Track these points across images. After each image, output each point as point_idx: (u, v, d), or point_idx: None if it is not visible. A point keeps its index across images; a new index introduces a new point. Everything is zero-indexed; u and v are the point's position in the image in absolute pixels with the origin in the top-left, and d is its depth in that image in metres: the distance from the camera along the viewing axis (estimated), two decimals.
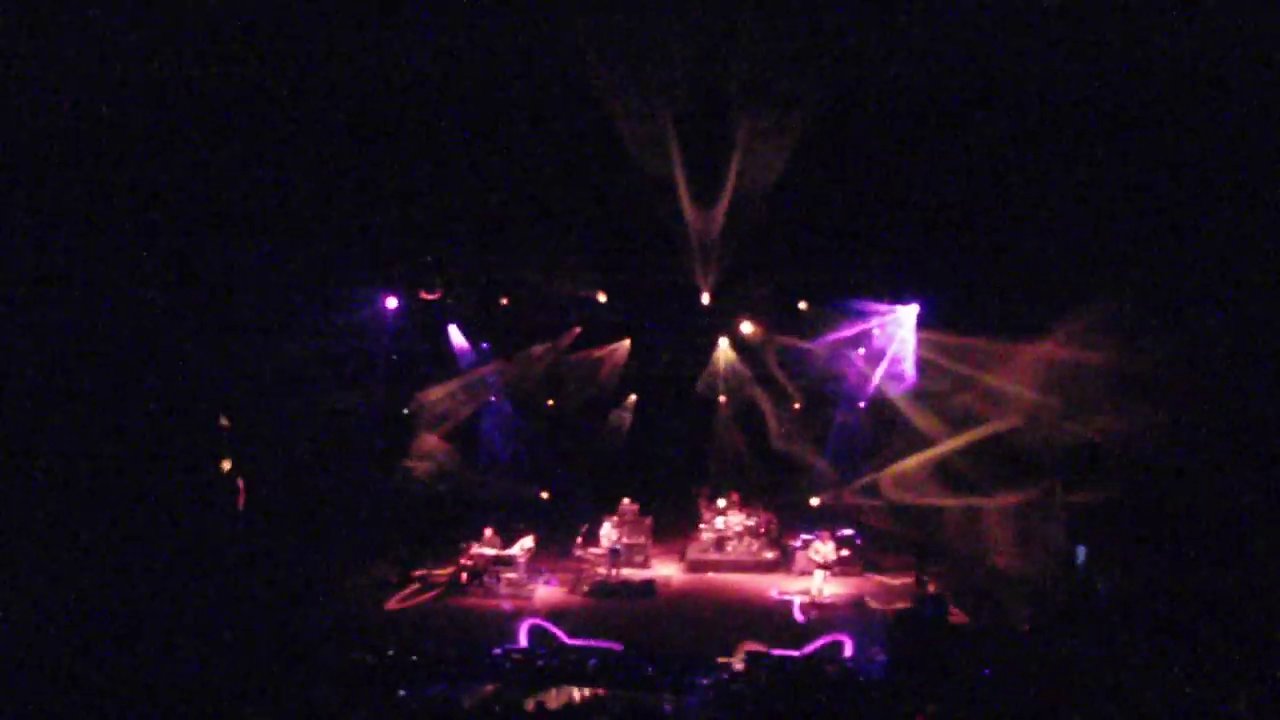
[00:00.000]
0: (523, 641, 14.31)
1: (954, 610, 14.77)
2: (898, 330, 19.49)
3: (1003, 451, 17.36)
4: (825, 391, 22.57)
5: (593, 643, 14.03)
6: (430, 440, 21.02)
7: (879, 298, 18.87)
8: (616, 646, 13.85)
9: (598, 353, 22.38)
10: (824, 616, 15.68)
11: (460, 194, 15.63)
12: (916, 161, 13.40)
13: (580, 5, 11.61)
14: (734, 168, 14.15)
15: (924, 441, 19.15)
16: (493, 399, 22.53)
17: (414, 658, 12.84)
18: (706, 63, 12.09)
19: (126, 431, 13.99)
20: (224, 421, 15.80)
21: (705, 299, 19.04)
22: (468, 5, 12.30)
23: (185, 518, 14.66)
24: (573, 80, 13.05)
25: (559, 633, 14.58)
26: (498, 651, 13.46)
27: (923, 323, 18.84)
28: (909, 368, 19.46)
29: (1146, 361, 14.10)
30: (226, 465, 16.22)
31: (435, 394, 20.93)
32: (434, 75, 13.60)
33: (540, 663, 12.98)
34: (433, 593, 17.08)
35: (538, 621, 14.94)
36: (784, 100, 12.46)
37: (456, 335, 21.09)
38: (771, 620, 15.65)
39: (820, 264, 17.63)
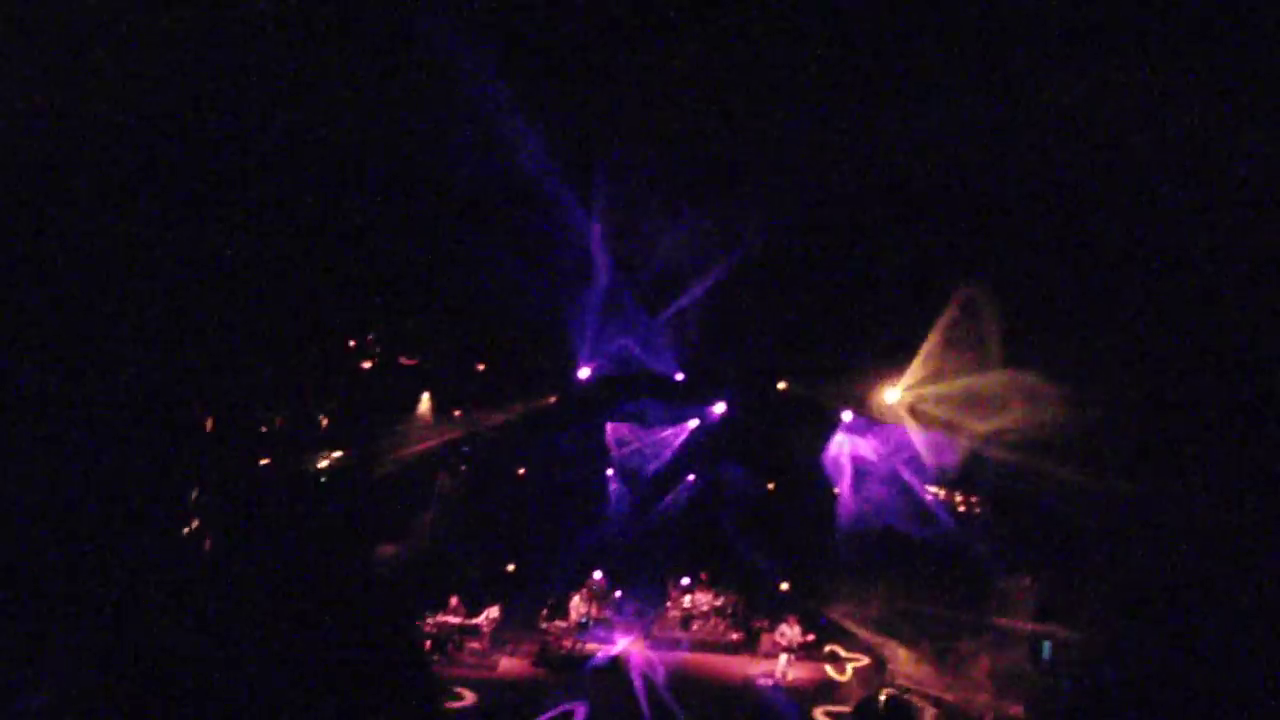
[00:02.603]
0: None
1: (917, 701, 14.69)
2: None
3: None
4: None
5: None
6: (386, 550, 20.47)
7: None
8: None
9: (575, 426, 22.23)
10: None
11: (445, 264, 15.82)
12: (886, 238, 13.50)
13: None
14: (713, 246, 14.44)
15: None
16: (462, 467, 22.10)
17: None
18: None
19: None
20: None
21: (679, 377, 19.25)
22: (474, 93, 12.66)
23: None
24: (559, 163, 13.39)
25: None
26: None
27: None
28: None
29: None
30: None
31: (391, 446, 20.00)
32: (426, 150, 13.94)
33: None
34: None
35: None
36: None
37: (424, 403, 20.35)
38: (733, 698, 15.57)
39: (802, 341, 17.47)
